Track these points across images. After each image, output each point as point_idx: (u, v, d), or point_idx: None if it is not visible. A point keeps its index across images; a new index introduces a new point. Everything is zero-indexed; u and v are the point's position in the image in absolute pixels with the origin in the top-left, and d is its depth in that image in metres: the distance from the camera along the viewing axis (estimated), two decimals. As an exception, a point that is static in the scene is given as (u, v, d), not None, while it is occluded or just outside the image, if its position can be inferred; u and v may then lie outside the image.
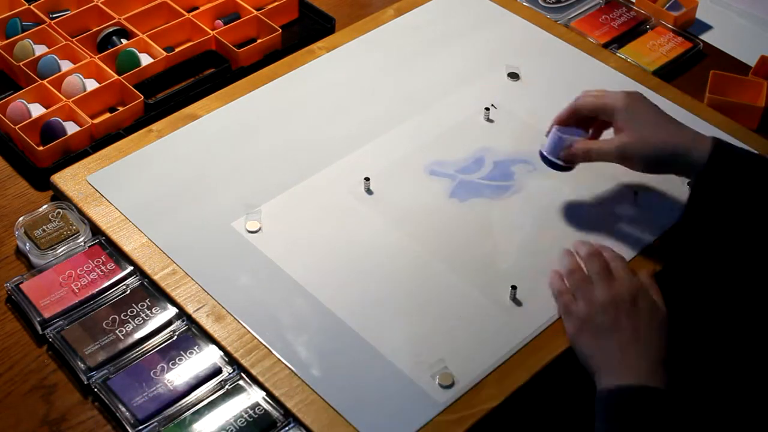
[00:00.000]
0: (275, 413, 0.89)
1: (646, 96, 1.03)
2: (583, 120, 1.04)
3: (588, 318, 0.92)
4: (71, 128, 1.15)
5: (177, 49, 1.25)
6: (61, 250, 1.01)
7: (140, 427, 0.87)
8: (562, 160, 1.02)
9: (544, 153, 1.04)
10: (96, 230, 1.04)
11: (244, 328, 0.94)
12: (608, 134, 1.03)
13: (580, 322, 0.92)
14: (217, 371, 0.92)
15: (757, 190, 0.95)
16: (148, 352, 0.93)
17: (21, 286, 0.98)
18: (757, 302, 1.09)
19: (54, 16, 1.28)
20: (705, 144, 0.96)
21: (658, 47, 1.29)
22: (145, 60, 1.24)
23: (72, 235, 1.02)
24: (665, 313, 0.93)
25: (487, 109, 1.17)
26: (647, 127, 0.98)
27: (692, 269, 1.04)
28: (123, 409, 0.88)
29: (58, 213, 1.04)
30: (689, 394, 0.89)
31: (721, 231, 0.98)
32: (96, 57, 1.22)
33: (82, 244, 1.02)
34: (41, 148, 1.11)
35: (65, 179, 1.08)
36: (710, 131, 1.14)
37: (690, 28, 1.34)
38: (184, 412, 0.89)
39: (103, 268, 0.99)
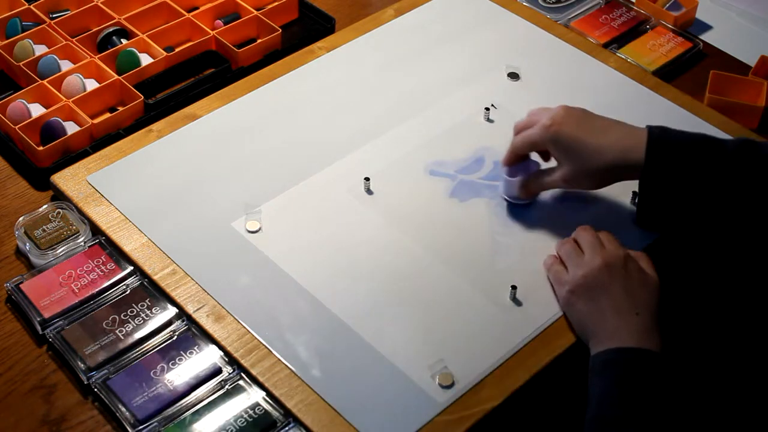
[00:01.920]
0: (275, 413, 0.89)
1: (572, 110, 1.01)
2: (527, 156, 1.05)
3: (580, 283, 0.93)
4: (71, 128, 1.15)
5: (177, 49, 1.25)
6: (61, 250, 1.01)
7: (140, 427, 0.87)
8: (520, 199, 1.05)
9: (506, 197, 1.06)
10: (96, 230, 1.04)
11: (244, 328, 0.94)
12: None
13: (572, 287, 0.94)
14: (217, 371, 0.92)
15: (701, 171, 0.95)
16: (148, 352, 0.93)
17: (21, 286, 0.98)
18: (731, 283, 1.10)
19: (54, 16, 1.28)
20: (640, 141, 0.96)
21: (658, 47, 1.29)
22: (145, 60, 1.24)
23: (72, 235, 1.02)
24: (657, 280, 0.94)
25: (487, 109, 1.17)
26: (581, 152, 0.98)
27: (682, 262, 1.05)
28: (123, 409, 0.88)
29: (58, 213, 1.04)
30: (682, 361, 0.90)
31: (676, 219, 1.00)
32: (96, 57, 1.22)
33: (82, 244, 1.02)
34: (41, 148, 1.11)
35: (65, 179, 1.08)
36: (710, 131, 1.14)
37: (690, 28, 1.34)
38: (184, 412, 0.89)
39: (103, 268, 0.99)
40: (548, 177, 1.03)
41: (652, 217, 1.01)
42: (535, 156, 1.05)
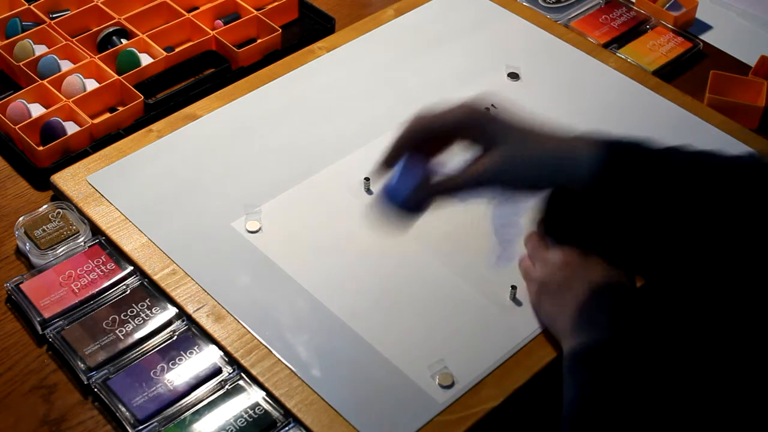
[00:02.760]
0: (275, 413, 0.89)
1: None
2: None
3: (545, 281, 0.93)
4: (71, 128, 1.15)
5: (177, 49, 1.25)
6: (61, 250, 1.01)
7: (140, 427, 0.87)
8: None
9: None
10: (96, 230, 1.04)
11: (244, 328, 0.94)
12: None
13: (538, 286, 0.93)
14: (217, 371, 0.92)
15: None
16: (148, 352, 0.93)
17: (21, 286, 0.98)
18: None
19: (54, 16, 1.28)
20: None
21: (658, 47, 1.29)
22: (145, 60, 1.24)
23: (72, 235, 1.02)
24: (619, 270, 0.90)
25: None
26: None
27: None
28: (123, 409, 0.88)
29: (58, 213, 1.04)
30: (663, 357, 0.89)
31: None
32: (96, 57, 1.22)
33: (82, 244, 1.02)
34: (41, 148, 1.11)
35: (65, 179, 1.08)
36: (710, 131, 1.14)
37: (690, 28, 1.34)
38: (184, 412, 0.89)
39: (103, 268, 0.99)
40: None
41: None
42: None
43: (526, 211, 1.05)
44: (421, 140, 0.82)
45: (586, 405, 0.84)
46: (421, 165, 0.81)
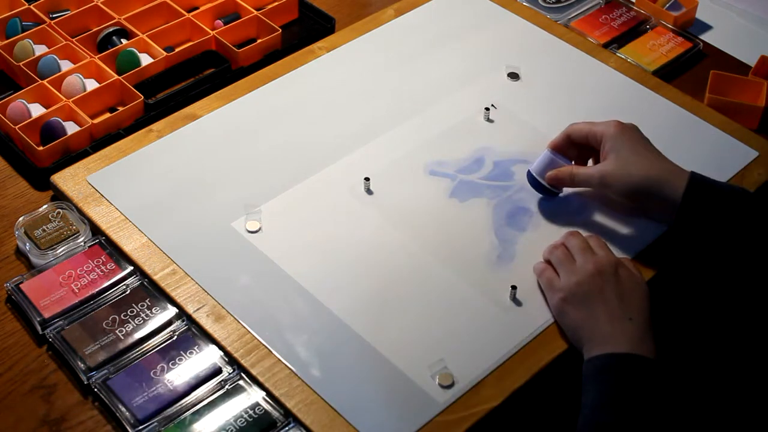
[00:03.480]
0: (275, 413, 0.89)
1: (638, 128, 1.03)
2: (574, 147, 1.05)
3: (573, 289, 0.93)
4: (71, 128, 1.15)
5: (177, 49, 1.25)
6: (61, 250, 1.01)
7: (140, 427, 0.87)
8: (547, 181, 1.04)
9: (533, 173, 1.06)
10: (96, 230, 1.04)
11: (244, 328, 0.94)
12: None
13: (565, 294, 0.94)
14: (217, 371, 0.92)
15: (733, 224, 0.96)
16: (148, 352, 0.93)
17: (21, 286, 0.98)
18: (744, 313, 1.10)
19: (54, 16, 1.28)
20: (681, 179, 0.97)
21: (658, 47, 1.29)
22: (145, 60, 1.24)
23: (72, 235, 1.02)
24: (646, 286, 0.95)
25: (487, 109, 1.17)
26: (630, 157, 0.99)
27: (686, 274, 1.05)
28: (123, 409, 0.88)
29: (58, 213, 1.04)
30: (676, 367, 0.91)
31: (705, 263, 1.00)
32: (96, 57, 1.22)
33: (82, 244, 1.02)
34: (41, 148, 1.11)
35: (65, 179, 1.08)
36: (710, 131, 1.15)
37: (690, 28, 1.34)
38: (184, 412, 0.89)
39: (103, 268, 0.99)
40: (586, 170, 1.02)
41: (681, 251, 1.01)
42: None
43: (530, 215, 1.05)
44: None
45: (608, 411, 0.84)
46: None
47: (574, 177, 1.03)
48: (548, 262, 0.98)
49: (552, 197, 1.06)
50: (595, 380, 0.87)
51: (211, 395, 0.90)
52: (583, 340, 0.91)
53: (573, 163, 1.05)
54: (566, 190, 1.07)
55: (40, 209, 1.05)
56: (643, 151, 1.00)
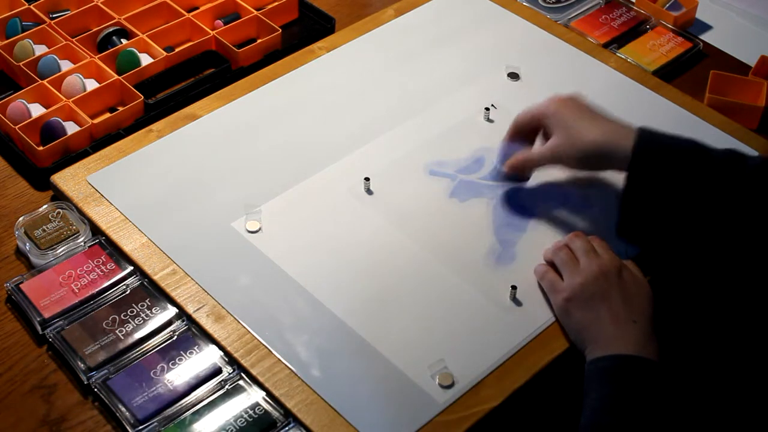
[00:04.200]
0: (275, 413, 0.89)
1: (580, 96, 1.05)
2: (531, 134, 1.06)
3: (577, 290, 0.93)
4: (71, 128, 1.15)
5: (177, 49, 1.25)
6: (61, 250, 1.01)
7: (140, 427, 0.87)
8: (505, 171, 1.07)
9: (497, 165, 1.09)
10: (96, 230, 1.04)
11: (244, 328, 0.94)
12: None
13: (569, 295, 0.94)
14: (217, 371, 0.92)
15: (686, 176, 0.95)
16: (148, 352, 0.93)
17: (21, 286, 0.98)
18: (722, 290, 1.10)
19: (54, 16, 1.28)
20: (630, 136, 0.97)
21: (658, 47, 1.29)
22: (145, 60, 1.24)
23: (72, 235, 1.02)
24: (649, 288, 0.95)
25: (487, 109, 1.17)
26: (575, 127, 1.00)
27: (686, 277, 1.05)
28: (123, 409, 0.88)
29: (58, 213, 1.04)
30: (678, 369, 0.91)
31: (658, 220, 1.00)
32: (96, 57, 1.22)
33: (82, 244, 1.02)
34: (41, 148, 1.11)
35: (65, 179, 1.08)
36: (710, 131, 1.14)
37: (690, 28, 1.34)
38: (184, 412, 0.89)
39: (103, 268, 0.99)
40: (537, 150, 1.04)
41: (633, 222, 1.00)
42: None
43: (529, 214, 1.05)
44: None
45: (611, 412, 0.84)
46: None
47: (527, 160, 1.05)
48: (549, 263, 0.98)
49: (524, 182, 1.08)
50: (598, 381, 0.87)
51: (211, 395, 0.90)
52: (587, 342, 0.91)
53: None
54: (567, 190, 1.07)
55: (40, 209, 1.05)
56: (587, 118, 1.00)
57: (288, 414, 0.88)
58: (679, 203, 0.96)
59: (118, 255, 1.01)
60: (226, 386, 0.91)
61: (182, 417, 0.88)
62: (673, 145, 0.97)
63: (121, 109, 1.17)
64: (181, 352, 0.93)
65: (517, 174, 1.07)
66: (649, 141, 0.97)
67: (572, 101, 1.03)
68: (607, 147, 0.98)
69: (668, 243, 1.00)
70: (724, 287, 1.08)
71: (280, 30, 1.28)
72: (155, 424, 0.88)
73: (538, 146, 1.04)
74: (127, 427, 0.87)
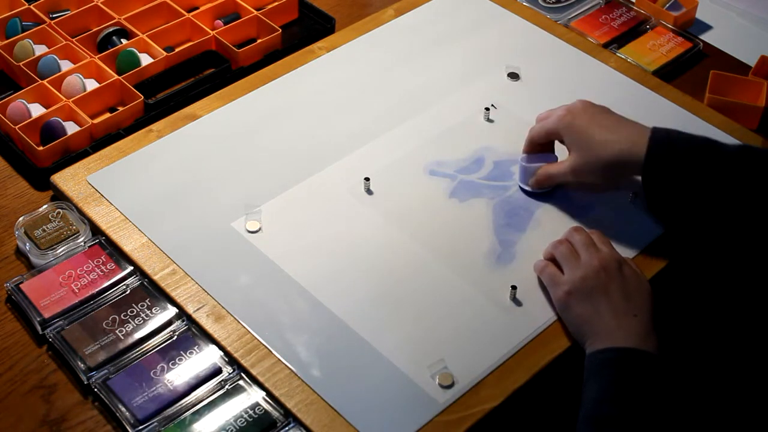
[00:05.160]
0: (275, 413, 0.89)
1: (587, 103, 1.04)
2: (546, 147, 1.07)
3: (578, 284, 0.93)
4: (71, 128, 1.15)
5: (177, 49, 1.25)
6: (61, 250, 1.01)
7: (140, 427, 0.87)
8: (531, 188, 1.07)
9: (520, 184, 1.08)
10: (96, 230, 1.04)
11: (244, 328, 0.94)
12: None
13: (569, 288, 0.94)
14: (217, 371, 0.92)
15: (700, 175, 0.96)
16: (148, 352, 0.93)
17: (21, 286, 0.98)
18: (734, 286, 1.11)
19: (54, 16, 1.28)
20: (644, 138, 0.97)
21: (658, 47, 1.29)
22: (145, 60, 1.24)
23: (72, 235, 1.02)
24: (649, 285, 0.95)
25: (487, 109, 1.17)
26: (590, 142, 1.00)
27: (687, 273, 1.05)
28: (123, 409, 0.88)
29: (58, 213, 1.04)
30: (679, 362, 0.91)
31: (680, 220, 1.01)
32: (96, 57, 1.22)
33: (82, 244, 1.02)
34: (41, 148, 1.11)
35: (65, 179, 1.08)
36: (710, 131, 1.14)
37: (690, 28, 1.34)
38: (184, 412, 0.89)
39: (103, 268, 0.99)
40: (557, 168, 1.04)
41: (659, 208, 1.01)
42: (557, 152, 1.07)
43: (530, 215, 1.06)
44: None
45: (611, 404, 0.84)
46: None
47: (550, 178, 1.05)
48: (550, 258, 0.99)
49: (544, 193, 1.08)
50: (598, 373, 0.87)
51: (211, 395, 0.90)
52: (587, 335, 0.91)
53: (555, 157, 1.07)
54: (567, 190, 1.07)
55: (40, 209, 1.05)
56: (599, 129, 1.00)
57: (288, 414, 0.88)
58: (696, 202, 0.96)
59: (118, 255, 1.01)
60: (226, 386, 0.91)
61: (182, 417, 0.88)
62: (687, 144, 0.97)
63: (121, 109, 1.17)
64: (181, 352, 0.93)
65: (538, 190, 1.07)
66: (661, 143, 0.97)
67: (584, 110, 1.03)
68: (624, 158, 0.98)
69: (686, 233, 1.01)
70: (739, 280, 1.09)
71: (280, 30, 1.28)
72: (155, 424, 0.88)
73: (560, 163, 1.04)
74: (127, 427, 0.87)
